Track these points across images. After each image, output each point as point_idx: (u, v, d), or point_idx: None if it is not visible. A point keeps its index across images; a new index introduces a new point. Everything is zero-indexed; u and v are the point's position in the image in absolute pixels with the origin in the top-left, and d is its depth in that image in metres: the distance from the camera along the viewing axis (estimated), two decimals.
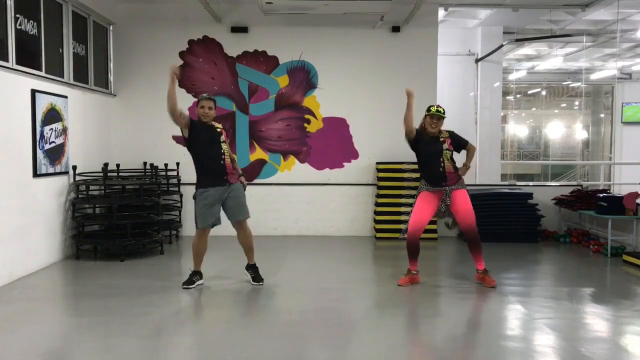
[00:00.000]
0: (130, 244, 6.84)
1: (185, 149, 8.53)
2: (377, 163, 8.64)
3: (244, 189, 5.67)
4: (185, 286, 5.58)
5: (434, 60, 8.77)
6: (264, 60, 8.67)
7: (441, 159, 5.61)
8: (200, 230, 5.58)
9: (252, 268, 5.81)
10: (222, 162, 5.51)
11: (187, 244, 8.02)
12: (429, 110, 5.66)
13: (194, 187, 8.49)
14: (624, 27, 11.05)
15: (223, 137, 5.57)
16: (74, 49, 7.22)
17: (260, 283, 5.69)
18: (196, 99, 8.56)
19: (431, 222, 8.39)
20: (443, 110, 5.67)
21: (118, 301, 5.11)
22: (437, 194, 5.66)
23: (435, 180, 5.65)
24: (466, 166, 5.70)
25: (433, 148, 5.65)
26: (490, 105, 11.64)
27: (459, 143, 5.76)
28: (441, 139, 5.67)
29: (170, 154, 8.56)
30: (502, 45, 11.09)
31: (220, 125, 5.66)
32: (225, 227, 8.64)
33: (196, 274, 5.70)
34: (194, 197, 5.56)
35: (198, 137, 5.47)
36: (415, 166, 8.33)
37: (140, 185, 7.20)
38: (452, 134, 5.76)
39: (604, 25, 11.26)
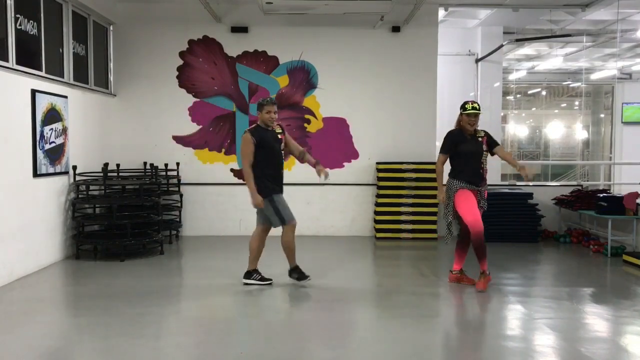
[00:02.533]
0: (130, 244, 6.84)
1: (185, 148, 8.64)
2: (377, 163, 8.64)
3: (326, 176, 5.59)
4: (304, 280, 5.63)
5: (434, 60, 8.77)
6: (264, 60, 8.67)
7: (482, 160, 5.57)
8: (290, 226, 5.55)
9: (295, 270, 5.76)
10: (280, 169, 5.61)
11: (187, 244, 8.05)
12: (464, 108, 5.55)
13: (194, 187, 8.61)
14: (624, 27, 11.05)
15: (283, 145, 5.61)
16: (74, 49, 7.22)
17: (308, 278, 5.67)
18: (197, 99, 8.64)
19: (431, 222, 8.44)
20: (478, 106, 5.58)
21: (118, 301, 5.10)
22: (473, 192, 5.58)
23: (474, 180, 5.57)
24: (523, 167, 5.54)
25: (475, 148, 5.57)
26: (490, 105, 11.63)
27: (492, 144, 5.65)
28: (479, 139, 5.60)
29: (170, 154, 8.57)
30: (502, 45, 11.09)
31: (280, 130, 5.63)
32: (225, 227, 8.69)
33: (297, 270, 5.70)
34: (270, 201, 5.49)
35: (264, 145, 5.48)
36: (415, 166, 8.44)
37: (140, 185, 7.20)
38: (487, 134, 5.67)
39: (604, 25, 11.26)
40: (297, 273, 5.68)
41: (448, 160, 5.71)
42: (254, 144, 5.40)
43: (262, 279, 5.68)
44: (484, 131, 5.69)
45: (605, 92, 18.31)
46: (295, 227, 5.59)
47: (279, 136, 5.59)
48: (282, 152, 5.63)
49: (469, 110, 5.51)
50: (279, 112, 8.62)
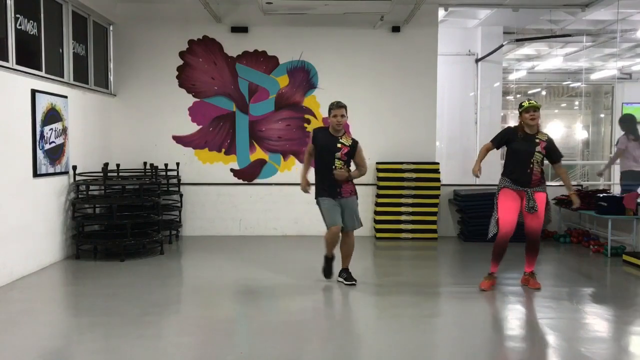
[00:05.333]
0: (130, 244, 6.84)
1: (185, 148, 8.64)
2: (377, 163, 8.64)
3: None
4: (350, 283, 5.67)
5: (434, 60, 8.77)
6: (264, 60, 8.67)
7: (532, 160, 5.47)
8: (329, 231, 5.60)
9: (345, 271, 5.79)
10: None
11: (187, 244, 8.05)
12: (521, 106, 5.55)
13: (194, 187, 8.61)
14: (624, 27, 11.03)
15: (339, 154, 5.58)
16: (74, 49, 7.22)
17: (353, 282, 5.68)
18: (197, 99, 8.64)
19: (431, 222, 8.44)
20: (536, 102, 5.56)
21: (118, 301, 5.11)
22: (519, 193, 5.53)
23: (520, 181, 5.51)
24: (574, 194, 5.64)
25: (525, 147, 5.50)
26: (490, 105, 11.63)
27: (552, 154, 5.56)
28: (537, 140, 5.51)
29: (170, 154, 8.57)
30: (502, 45, 11.09)
31: (346, 142, 5.62)
32: (225, 227, 8.69)
33: (347, 271, 5.75)
34: (317, 202, 5.68)
35: (316, 145, 5.65)
36: (415, 166, 8.43)
37: (140, 185, 7.20)
38: (549, 140, 5.57)
39: (604, 25, 11.25)
40: (346, 274, 5.76)
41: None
42: (311, 141, 5.70)
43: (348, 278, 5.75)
44: (548, 136, 5.58)
45: (605, 92, 18.28)
46: (333, 232, 5.59)
47: (339, 145, 5.57)
48: (340, 160, 5.58)
49: (527, 105, 5.49)
50: (279, 111, 8.74)
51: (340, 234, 5.66)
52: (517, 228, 5.55)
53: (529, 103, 5.51)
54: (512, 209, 5.50)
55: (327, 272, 5.81)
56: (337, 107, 5.54)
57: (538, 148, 5.48)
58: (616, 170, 15.03)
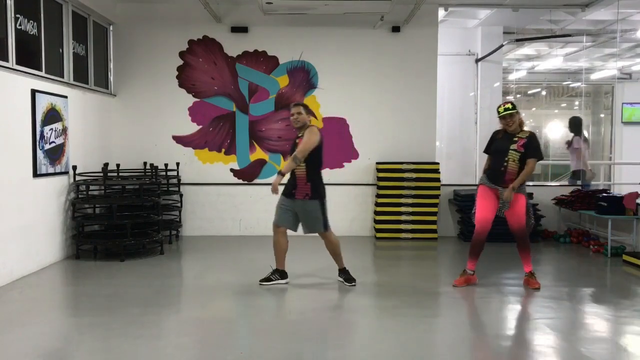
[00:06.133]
0: (130, 244, 6.84)
1: (185, 148, 8.64)
2: (377, 163, 8.64)
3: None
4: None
5: (434, 60, 8.77)
6: (264, 60, 8.67)
7: (506, 158, 5.51)
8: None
9: (342, 272, 5.79)
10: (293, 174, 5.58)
11: (187, 244, 8.05)
12: (498, 112, 5.61)
13: (194, 187, 8.61)
14: (624, 27, 11.03)
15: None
16: (74, 49, 7.22)
17: (353, 283, 5.67)
18: (197, 99, 8.64)
19: (431, 222, 8.44)
20: (512, 106, 5.54)
21: (118, 301, 5.11)
22: (494, 191, 5.58)
23: (495, 178, 5.58)
24: (511, 187, 5.46)
25: (502, 145, 5.57)
26: (490, 105, 11.60)
27: (529, 150, 5.50)
28: (515, 138, 5.53)
29: (170, 154, 8.57)
30: (502, 45, 11.08)
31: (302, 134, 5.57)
32: (225, 227, 8.69)
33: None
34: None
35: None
36: (415, 166, 8.44)
37: (140, 185, 7.20)
38: (530, 137, 5.53)
39: (604, 25, 11.24)
40: (345, 274, 5.77)
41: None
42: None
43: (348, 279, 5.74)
44: (530, 133, 5.55)
45: (605, 92, 18.28)
46: (274, 230, 5.73)
47: (297, 141, 5.60)
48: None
49: (501, 113, 5.56)
50: (279, 111, 8.73)
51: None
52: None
53: (504, 109, 5.54)
54: (487, 207, 5.57)
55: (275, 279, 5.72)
56: (292, 106, 5.68)
57: (514, 146, 5.51)
58: (616, 170, 15.07)
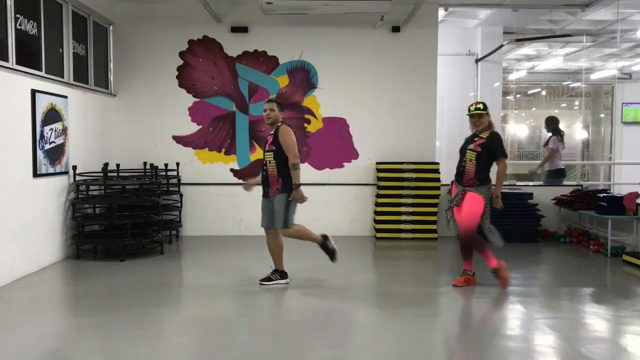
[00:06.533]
0: (130, 244, 6.84)
1: (185, 148, 8.63)
2: (377, 163, 8.64)
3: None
4: (265, 283, 5.63)
5: (434, 60, 8.77)
6: (264, 60, 8.67)
7: (464, 158, 5.57)
8: (283, 230, 5.58)
9: (273, 272, 5.76)
10: (263, 172, 5.58)
11: (187, 244, 8.05)
12: (468, 110, 5.66)
13: (194, 187, 8.61)
14: (624, 27, 11.04)
15: (267, 146, 5.58)
16: (74, 49, 7.22)
17: (264, 284, 5.64)
18: (197, 99, 8.64)
19: (431, 222, 8.43)
20: (483, 106, 5.57)
21: (118, 301, 5.11)
22: (458, 190, 5.65)
23: (458, 177, 5.67)
24: (495, 196, 5.50)
25: (464, 145, 5.65)
26: (490, 105, 11.50)
27: (491, 151, 5.49)
28: (475, 138, 5.58)
29: (170, 154, 8.57)
30: (502, 45, 11.09)
31: (277, 131, 5.55)
32: (225, 227, 8.69)
33: (277, 272, 5.72)
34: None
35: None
36: (415, 166, 8.44)
37: (140, 185, 7.20)
38: (490, 137, 5.51)
39: (604, 25, 11.25)
40: (278, 274, 5.71)
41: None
42: None
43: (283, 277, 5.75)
44: (491, 134, 5.55)
45: (605, 92, 18.28)
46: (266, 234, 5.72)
47: (269, 138, 5.61)
48: (268, 152, 5.53)
49: (471, 111, 5.61)
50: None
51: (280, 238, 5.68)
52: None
53: (474, 108, 5.59)
54: (457, 207, 5.64)
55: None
56: (266, 102, 5.71)
57: (471, 145, 5.56)
58: (616, 170, 15.07)
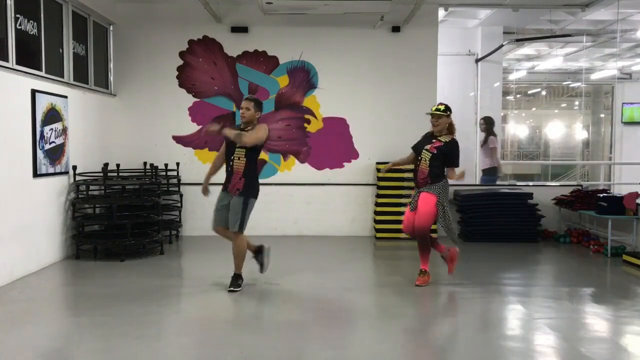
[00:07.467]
0: (130, 244, 6.84)
1: (185, 148, 8.63)
2: (377, 163, 8.64)
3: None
4: (231, 288, 5.42)
5: (434, 60, 8.77)
6: (264, 60, 8.67)
7: (420, 157, 5.61)
8: (236, 233, 5.48)
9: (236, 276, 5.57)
10: (229, 167, 5.49)
11: (187, 244, 8.05)
12: (431, 109, 5.71)
13: (194, 187, 8.59)
14: (624, 27, 11.04)
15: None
16: (74, 49, 7.22)
17: (231, 288, 5.42)
18: (197, 99, 8.64)
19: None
20: (444, 107, 5.62)
21: (118, 301, 5.11)
22: (418, 191, 5.69)
23: (415, 179, 5.73)
24: (461, 175, 5.60)
25: (421, 144, 5.68)
26: (490, 105, 11.62)
27: (447, 157, 5.56)
28: (434, 140, 5.63)
29: (170, 154, 8.56)
30: (502, 45, 11.09)
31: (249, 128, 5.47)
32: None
33: (237, 277, 5.55)
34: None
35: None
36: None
37: (140, 185, 7.20)
38: (448, 143, 5.57)
39: (604, 25, 11.25)
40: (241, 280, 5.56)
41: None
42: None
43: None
44: (451, 140, 5.58)
45: (605, 92, 18.29)
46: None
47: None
48: (241, 149, 5.39)
49: (432, 111, 5.67)
50: (279, 111, 8.72)
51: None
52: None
53: (435, 109, 5.66)
54: (414, 205, 5.66)
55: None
56: (244, 99, 5.60)
57: (428, 146, 5.58)
58: (616, 170, 15.08)
